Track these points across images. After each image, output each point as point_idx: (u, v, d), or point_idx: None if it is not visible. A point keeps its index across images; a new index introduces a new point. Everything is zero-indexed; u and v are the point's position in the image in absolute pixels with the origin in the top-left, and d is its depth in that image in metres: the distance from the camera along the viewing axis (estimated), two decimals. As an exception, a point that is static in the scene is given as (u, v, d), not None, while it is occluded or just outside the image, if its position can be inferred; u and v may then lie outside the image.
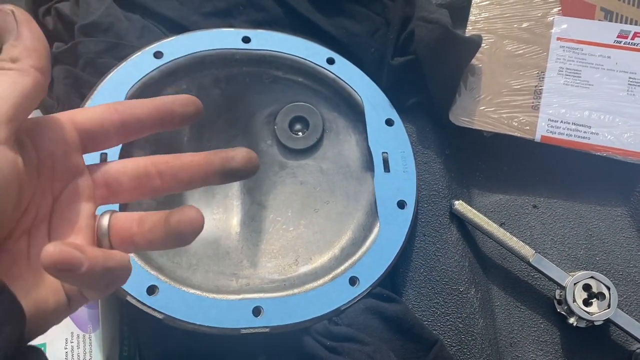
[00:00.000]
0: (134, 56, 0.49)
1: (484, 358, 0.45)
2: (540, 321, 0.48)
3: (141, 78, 0.48)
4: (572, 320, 0.45)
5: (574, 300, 0.45)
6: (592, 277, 0.45)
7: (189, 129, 0.52)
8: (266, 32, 0.52)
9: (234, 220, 0.51)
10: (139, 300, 0.41)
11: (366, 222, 0.49)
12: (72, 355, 0.44)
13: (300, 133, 0.53)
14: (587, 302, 0.45)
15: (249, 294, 0.44)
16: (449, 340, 0.46)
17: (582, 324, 0.45)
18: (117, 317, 0.48)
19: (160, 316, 0.41)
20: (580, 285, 0.45)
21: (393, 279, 0.48)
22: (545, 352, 0.47)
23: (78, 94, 0.48)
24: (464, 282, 0.47)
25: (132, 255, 0.42)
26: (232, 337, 0.42)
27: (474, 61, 0.52)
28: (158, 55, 0.49)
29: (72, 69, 0.48)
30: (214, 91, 0.52)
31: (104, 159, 0.44)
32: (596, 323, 0.45)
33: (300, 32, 0.53)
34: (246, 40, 0.51)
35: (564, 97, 0.50)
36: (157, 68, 0.49)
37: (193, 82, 0.51)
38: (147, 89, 0.48)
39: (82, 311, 0.45)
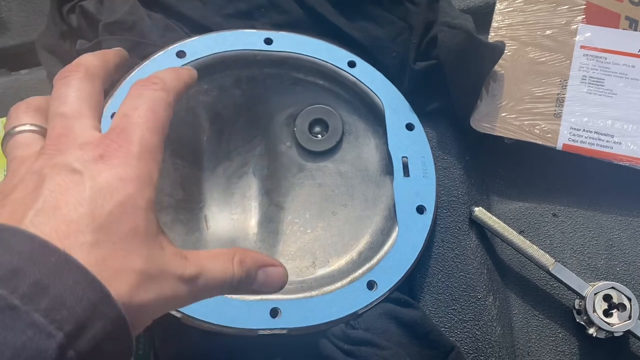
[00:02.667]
0: (156, 55, 0.49)
1: (501, 366, 0.45)
2: (559, 331, 0.47)
3: (163, 77, 0.48)
4: (591, 330, 0.45)
5: (594, 311, 0.44)
6: (612, 288, 0.45)
7: (208, 127, 0.52)
8: (288, 34, 0.52)
9: (252, 221, 0.51)
10: (157, 299, 0.41)
11: (384, 227, 0.49)
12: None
13: (319, 135, 0.53)
14: (607, 313, 0.44)
15: (266, 295, 0.44)
16: (465, 347, 0.46)
17: (602, 335, 0.45)
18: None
19: (178, 315, 0.41)
20: (600, 295, 0.45)
21: (410, 284, 0.48)
22: (563, 362, 0.47)
23: (101, 91, 0.48)
24: (482, 289, 0.47)
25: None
26: (248, 338, 0.42)
27: (496, 67, 0.51)
28: (180, 54, 0.49)
29: (96, 66, 0.48)
30: (235, 92, 0.52)
31: None
32: (616, 334, 0.44)
33: (321, 34, 0.53)
34: (268, 41, 0.52)
35: (587, 105, 0.50)
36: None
37: (214, 82, 0.51)
38: (169, 88, 0.49)
39: (99, 308, 0.45)
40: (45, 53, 0.50)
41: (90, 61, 0.31)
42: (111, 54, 0.34)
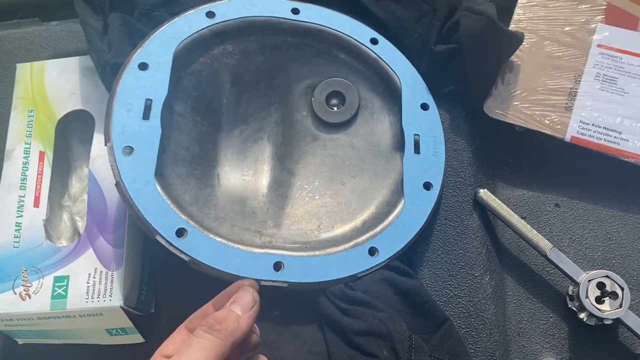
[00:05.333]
0: (187, 13, 0.51)
1: (491, 343, 0.46)
2: (550, 315, 0.49)
3: (191, 34, 0.50)
4: (582, 315, 0.46)
5: (587, 297, 0.46)
6: (607, 276, 0.46)
7: (229, 90, 0.53)
8: (315, 6, 0.54)
9: (263, 183, 0.52)
10: (167, 241, 0.43)
11: (391, 199, 0.50)
12: (94, 290, 0.45)
13: (335, 108, 0.55)
14: (599, 300, 0.46)
15: (271, 249, 0.45)
16: (458, 322, 0.47)
17: (592, 322, 0.46)
18: (140, 260, 0.49)
19: (186, 258, 0.43)
20: (594, 282, 0.46)
21: (410, 257, 0.49)
22: (552, 345, 0.48)
23: (130, 41, 0.50)
24: (479, 268, 0.48)
25: (164, 197, 0.44)
26: (250, 288, 0.44)
27: (513, 58, 0.53)
28: (210, 15, 0.51)
29: (128, 17, 0.50)
30: (257, 57, 0.54)
31: (148, 105, 0.46)
32: (606, 322, 0.45)
33: (347, 11, 0.55)
34: (295, 11, 0.53)
35: (598, 101, 0.51)
36: (207, 27, 0.51)
37: (239, 45, 0.53)
38: (195, 45, 0.50)
39: (108, 249, 0.47)
40: (80, 1, 0.52)
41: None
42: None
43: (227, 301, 0.38)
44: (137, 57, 0.47)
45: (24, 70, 0.54)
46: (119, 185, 0.43)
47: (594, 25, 0.54)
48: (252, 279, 0.43)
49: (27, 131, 0.52)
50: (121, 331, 0.47)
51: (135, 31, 0.50)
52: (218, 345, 0.34)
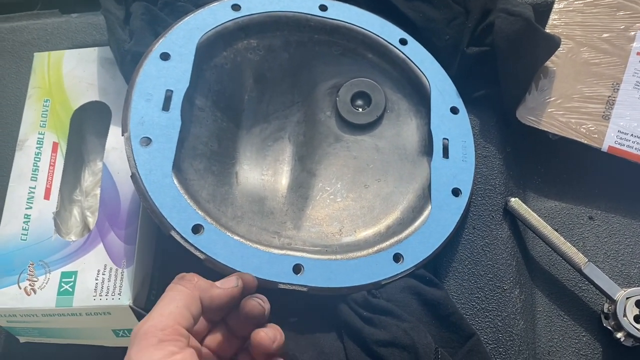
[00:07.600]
0: (212, 5, 0.49)
1: (519, 361, 0.43)
2: (583, 334, 0.46)
3: (215, 27, 0.48)
4: (619, 335, 0.43)
5: (625, 315, 0.43)
6: (646, 295, 0.43)
7: (251, 86, 0.51)
8: (344, 3, 0.52)
9: (282, 184, 0.50)
10: (183, 237, 0.40)
11: (417, 205, 0.48)
12: (102, 287, 0.43)
13: (360, 109, 0.53)
14: (638, 319, 0.43)
15: (291, 251, 0.43)
16: (485, 337, 0.44)
17: (629, 343, 0.43)
18: (152, 258, 0.47)
19: (201, 256, 0.40)
20: (632, 300, 0.43)
21: (436, 267, 0.47)
22: (585, 366, 0.45)
23: (152, 31, 0.48)
24: (508, 281, 0.46)
25: (181, 191, 0.42)
26: (267, 290, 0.41)
27: (548, 63, 0.51)
28: (236, 8, 0.49)
29: (152, 6, 0.49)
30: (282, 54, 0.52)
31: (168, 96, 0.44)
32: (644, 343, 0.43)
33: (376, 10, 0.53)
34: (323, 8, 0.51)
35: (638, 111, 0.49)
36: (232, 19, 0.49)
37: (264, 41, 0.51)
38: (219, 38, 0.49)
39: (119, 245, 0.45)
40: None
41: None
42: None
43: None
44: (159, 46, 0.46)
45: (41, 59, 0.53)
46: (134, 177, 0.41)
47: (633, 33, 0.51)
48: (270, 281, 0.41)
49: (42, 121, 0.50)
50: (128, 332, 0.45)
51: (158, 21, 0.48)
52: (185, 295, 0.34)
